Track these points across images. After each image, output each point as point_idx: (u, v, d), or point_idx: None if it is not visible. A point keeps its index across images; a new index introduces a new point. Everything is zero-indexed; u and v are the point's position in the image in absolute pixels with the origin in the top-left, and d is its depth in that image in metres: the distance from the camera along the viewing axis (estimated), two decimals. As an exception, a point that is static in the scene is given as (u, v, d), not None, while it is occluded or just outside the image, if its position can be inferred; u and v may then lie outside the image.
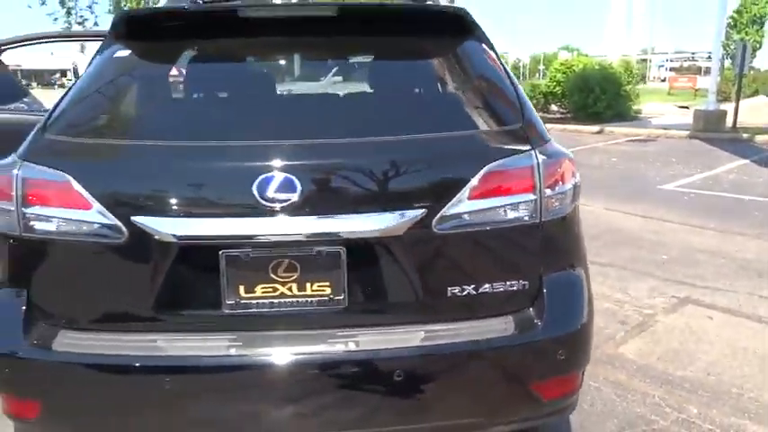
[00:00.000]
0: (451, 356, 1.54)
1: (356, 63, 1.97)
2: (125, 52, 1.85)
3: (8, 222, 1.58)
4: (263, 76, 1.97)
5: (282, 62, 2.01)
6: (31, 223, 1.56)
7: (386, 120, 1.71)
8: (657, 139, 12.47)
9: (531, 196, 1.58)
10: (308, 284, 1.54)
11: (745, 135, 12.07)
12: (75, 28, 18.02)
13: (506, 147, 1.61)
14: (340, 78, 1.97)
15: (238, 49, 1.93)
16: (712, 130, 12.37)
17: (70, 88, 1.84)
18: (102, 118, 1.77)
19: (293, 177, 1.48)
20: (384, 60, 1.93)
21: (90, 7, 18.35)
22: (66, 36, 3.72)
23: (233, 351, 1.52)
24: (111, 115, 1.78)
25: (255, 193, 1.48)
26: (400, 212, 1.52)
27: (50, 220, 1.55)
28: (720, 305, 3.68)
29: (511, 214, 1.58)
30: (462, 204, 1.54)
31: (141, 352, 1.52)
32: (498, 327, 1.59)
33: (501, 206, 1.57)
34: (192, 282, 1.57)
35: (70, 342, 1.56)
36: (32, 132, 1.71)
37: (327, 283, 1.55)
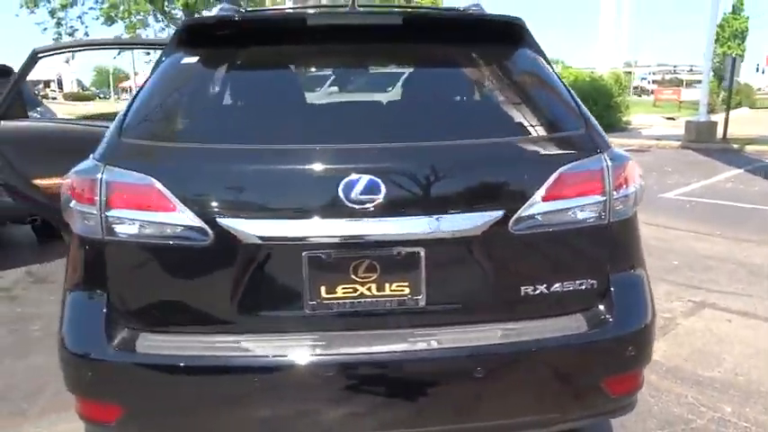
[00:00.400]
0: (528, 354, 1.59)
1: (422, 69, 2.03)
2: (192, 59, 1.90)
3: (91, 226, 1.61)
4: (334, 81, 2.02)
5: (350, 68, 2.06)
6: (114, 226, 1.59)
7: (460, 124, 1.77)
8: (651, 150, 12.68)
9: (601, 198, 1.65)
10: (387, 285, 1.59)
11: (735, 145, 12.33)
12: (66, 39, 17.97)
13: (577, 150, 1.67)
14: (407, 84, 2.03)
15: (306, 55, 1.99)
16: (704, 140, 12.62)
17: (137, 93, 1.87)
18: (180, 122, 1.81)
19: (378, 180, 1.52)
20: (449, 67, 1.99)
21: (80, 17, 18.39)
22: (113, 44, 3.76)
23: (316, 351, 1.55)
24: (189, 119, 1.82)
25: (341, 194, 1.52)
26: (479, 214, 1.57)
27: (133, 222, 1.58)
28: (736, 308, 3.77)
29: (581, 215, 1.64)
30: (537, 206, 1.59)
31: (226, 353, 1.55)
32: (571, 324, 1.64)
33: (572, 207, 1.63)
34: (275, 283, 1.61)
35: (153, 344, 1.58)
36: (107, 136, 1.74)
37: (406, 283, 1.59)
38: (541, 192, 1.60)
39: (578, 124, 1.77)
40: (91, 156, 1.75)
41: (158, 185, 1.56)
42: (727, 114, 13.56)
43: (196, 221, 1.54)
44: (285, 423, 1.58)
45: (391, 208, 1.54)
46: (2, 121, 3.45)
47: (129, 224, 1.58)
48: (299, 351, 1.55)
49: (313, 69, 2.04)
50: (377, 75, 2.01)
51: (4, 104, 3.32)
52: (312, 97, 1.96)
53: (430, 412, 1.60)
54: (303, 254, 1.56)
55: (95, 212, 1.59)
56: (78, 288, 1.68)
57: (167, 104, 1.83)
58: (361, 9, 2.08)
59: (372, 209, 1.53)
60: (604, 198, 1.65)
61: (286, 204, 1.58)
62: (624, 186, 1.69)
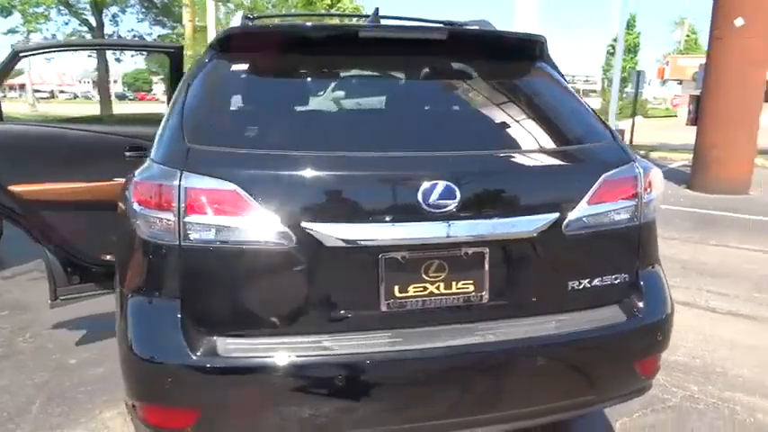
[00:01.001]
0: (578, 342, 1.76)
1: (465, 82, 2.15)
2: (242, 66, 1.94)
3: (164, 231, 1.62)
4: (392, 91, 2.10)
5: (400, 79, 2.15)
6: (193, 232, 1.61)
7: (509, 133, 1.93)
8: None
9: (634, 202, 1.86)
10: (454, 283, 1.71)
11: (641, 152, 13.40)
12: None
13: (614, 159, 1.88)
14: (454, 96, 2.15)
15: (359, 66, 2.07)
16: (613, 147, 13.59)
17: (184, 99, 1.88)
18: (252, 129, 1.84)
19: (453, 186, 1.64)
20: (488, 80, 2.14)
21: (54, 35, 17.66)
22: (100, 45, 3.59)
23: (394, 347, 1.65)
24: (260, 126, 1.85)
25: (420, 199, 1.63)
26: (536, 217, 1.74)
27: (213, 228, 1.60)
28: (680, 300, 4.20)
29: (618, 217, 1.84)
30: (584, 209, 1.78)
31: (308, 352, 1.61)
32: (611, 314, 1.84)
33: (612, 210, 1.83)
34: (353, 284, 1.69)
35: (234, 348, 1.61)
36: (166, 140, 1.75)
37: (471, 281, 1.72)
38: (588, 196, 1.78)
39: (606, 135, 1.98)
40: (151, 161, 1.75)
41: (240, 191, 1.59)
42: (633, 123, 14.71)
43: (279, 226, 1.59)
44: (367, 416, 1.67)
45: (463, 212, 1.66)
46: None
47: (208, 230, 1.60)
48: (378, 348, 1.64)
49: (367, 80, 2.12)
50: (425, 86, 2.12)
51: None
52: (371, 106, 2.04)
53: (496, 398, 1.74)
54: (380, 256, 1.65)
55: (172, 218, 1.60)
56: (146, 293, 1.68)
57: (230, 111, 1.86)
58: (388, 23, 2.20)
59: (446, 213, 1.65)
60: (636, 202, 1.86)
61: (367, 209, 1.67)
62: (650, 191, 1.91)
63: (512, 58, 2.09)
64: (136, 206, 1.67)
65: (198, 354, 1.59)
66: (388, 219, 1.65)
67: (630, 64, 43.44)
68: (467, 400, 1.72)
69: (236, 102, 1.94)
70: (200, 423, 1.61)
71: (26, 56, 3.14)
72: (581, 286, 1.82)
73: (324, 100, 2.07)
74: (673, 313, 1.96)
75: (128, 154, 3.12)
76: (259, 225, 1.60)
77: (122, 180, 3.04)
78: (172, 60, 3.26)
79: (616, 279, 1.87)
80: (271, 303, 1.67)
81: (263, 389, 1.61)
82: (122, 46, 3.54)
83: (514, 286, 1.78)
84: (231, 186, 1.60)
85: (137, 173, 1.76)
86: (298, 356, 1.60)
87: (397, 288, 1.68)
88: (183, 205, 1.60)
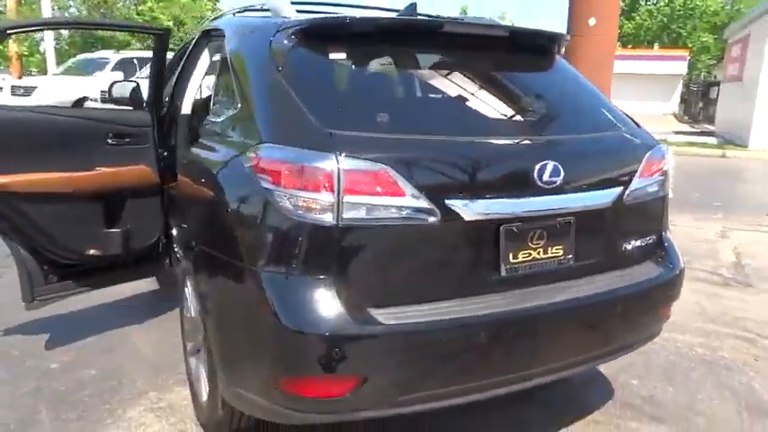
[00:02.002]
0: (635, 292, 2.14)
1: (529, 74, 2.40)
2: (339, 55, 2.03)
3: (326, 213, 1.68)
4: (478, 81, 2.27)
5: (479, 71, 2.33)
6: (348, 212, 1.69)
7: (581, 120, 2.24)
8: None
9: (663, 176, 2.28)
10: (550, 248, 1.99)
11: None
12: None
13: (648, 141, 2.27)
14: (525, 86, 2.39)
15: (444, 57, 2.23)
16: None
17: (285, 87, 1.92)
18: (382, 115, 1.92)
19: (559, 165, 1.92)
20: (545, 73, 2.41)
21: None
22: (79, 24, 3.16)
23: (515, 306, 1.89)
24: (389, 112, 1.95)
25: (536, 178, 1.88)
26: (609, 190, 2.07)
27: (364, 207, 1.70)
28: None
29: (653, 189, 2.24)
30: (636, 183, 2.15)
31: (451, 315, 1.78)
32: (653, 267, 2.25)
33: (651, 183, 2.22)
34: (481, 253, 1.88)
35: (388, 316, 1.73)
36: (295, 126, 1.80)
37: (561, 247, 2.01)
38: (639, 172, 2.16)
39: (629, 120, 2.37)
40: (274, 145, 1.78)
41: (391, 172, 1.72)
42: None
43: (424, 203, 1.75)
44: (499, 366, 1.90)
45: (562, 187, 1.94)
46: None
47: (362, 209, 1.70)
48: (503, 307, 1.87)
49: (454, 71, 2.27)
50: (504, 77, 2.33)
51: None
52: (466, 94, 2.21)
53: (585, 344, 2.07)
54: (501, 227, 1.87)
55: (331, 199, 1.68)
56: (298, 271, 1.72)
57: (349, 98, 1.96)
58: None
59: (553, 188, 1.92)
60: (664, 176, 2.29)
61: (495, 186, 1.87)
62: (670, 168, 2.35)
63: (547, 53, 2.42)
64: (281, 188, 1.71)
65: (358, 323, 1.69)
66: (511, 194, 1.88)
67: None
68: (565, 346, 2.03)
69: (352, 89, 2.02)
70: (359, 388, 1.72)
71: (13, 33, 2.78)
72: (631, 246, 2.20)
73: (425, 89, 2.22)
74: (684, 268, 2.43)
75: (111, 141, 2.96)
76: (407, 203, 1.73)
77: (107, 169, 2.90)
78: (158, 43, 3.10)
79: (651, 240, 2.29)
80: (416, 274, 1.81)
81: (415, 351, 1.77)
82: (110, 26, 3.16)
83: (590, 249, 2.10)
84: (382, 167, 1.72)
85: (267, 154, 1.77)
86: (443, 319, 1.77)
87: (511, 255, 1.91)
88: (341, 186, 1.68)
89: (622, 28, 45.97)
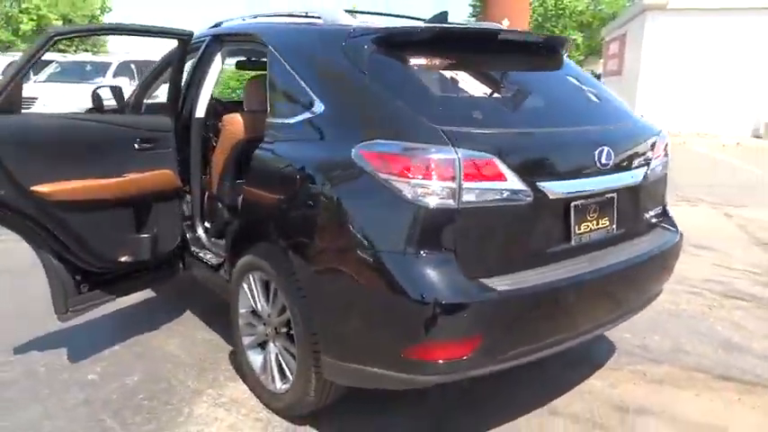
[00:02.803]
0: (663, 253, 2.56)
1: (560, 74, 2.73)
2: (422, 61, 2.28)
3: (448, 198, 1.93)
4: (533, 80, 2.57)
5: (526, 71, 2.63)
6: (466, 196, 1.94)
7: (611, 111, 2.61)
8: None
9: (667, 157, 2.72)
10: (600, 220, 2.35)
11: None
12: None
13: (653, 127, 2.69)
14: (563, 83, 2.72)
15: (504, 60, 2.52)
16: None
17: (382, 89, 2.15)
18: (477, 112, 2.20)
19: (611, 150, 2.28)
20: (569, 70, 2.75)
21: None
22: (137, 30, 2.97)
23: (589, 268, 2.24)
24: (480, 110, 2.25)
25: (596, 161, 2.24)
26: (639, 170, 2.47)
27: (477, 191, 1.96)
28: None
29: (660, 168, 2.67)
30: (653, 162, 2.57)
31: (547, 279, 2.10)
32: (664, 234, 2.68)
33: (660, 163, 2.65)
34: (558, 225, 2.21)
35: (500, 283, 2.01)
36: (410, 123, 2.03)
37: (607, 218, 2.38)
38: (654, 154, 2.59)
39: (631, 111, 2.80)
40: (391, 141, 2.00)
41: (496, 161, 1.99)
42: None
43: (521, 186, 2.04)
44: (581, 320, 2.26)
45: (611, 168, 2.31)
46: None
47: (476, 193, 1.97)
48: (579, 270, 2.21)
49: (514, 71, 2.54)
50: (550, 76, 2.63)
51: (4, 94, 2.51)
52: (530, 91, 2.51)
53: (629, 297, 2.48)
54: (571, 204, 2.21)
55: (454, 186, 1.92)
56: (424, 250, 1.95)
57: (443, 98, 2.21)
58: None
59: (606, 170, 2.29)
60: (667, 158, 2.73)
61: (571, 169, 2.21)
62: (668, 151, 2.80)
63: (562, 55, 2.79)
64: (404, 178, 1.93)
65: (480, 291, 1.96)
66: (580, 175, 2.23)
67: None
68: (618, 301, 2.41)
69: (438, 90, 2.27)
70: (477, 348, 1.98)
71: (62, 39, 2.68)
72: (649, 216, 2.63)
73: (493, 88, 2.48)
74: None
75: (137, 147, 2.99)
76: (508, 186, 2.01)
77: (137, 175, 2.92)
78: (180, 47, 3.12)
79: (660, 210, 2.73)
80: (514, 246, 2.12)
81: (521, 312, 2.06)
82: (139, 31, 3.01)
83: (625, 220, 2.47)
84: (490, 157, 1.99)
85: (387, 149, 1.98)
86: (541, 283, 2.08)
87: (578, 227, 2.26)
88: (461, 174, 1.93)
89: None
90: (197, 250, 3.29)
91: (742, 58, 14.35)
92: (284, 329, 2.50)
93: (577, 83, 2.69)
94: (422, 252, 1.95)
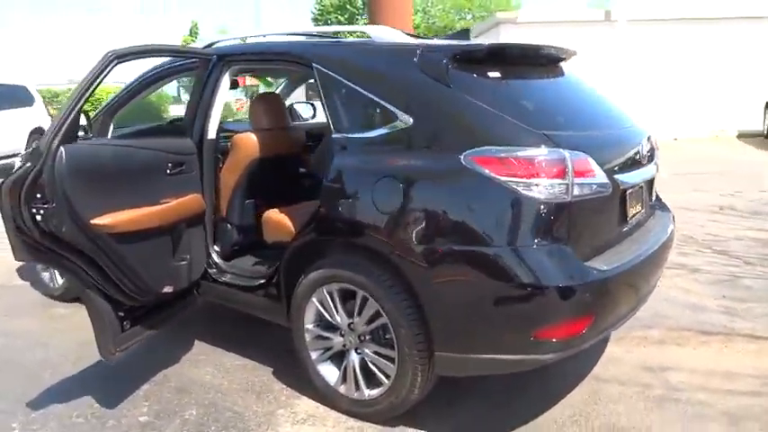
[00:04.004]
0: (671, 228, 3.04)
1: (584, 82, 3.06)
2: (496, 73, 2.52)
3: (563, 193, 2.18)
4: (570, 89, 2.86)
5: (555, 78, 2.92)
6: (576, 191, 2.21)
7: (623, 114, 3.00)
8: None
9: (657, 152, 3.22)
10: (637, 206, 2.75)
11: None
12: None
13: (645, 128, 3.17)
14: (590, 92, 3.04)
15: (545, 72, 2.79)
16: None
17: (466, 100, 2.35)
18: (556, 119, 2.49)
19: (645, 146, 2.69)
20: (582, 80, 3.12)
21: None
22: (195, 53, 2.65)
23: (645, 247, 2.61)
24: (561, 115, 2.53)
25: (641, 155, 2.62)
26: (655, 163, 2.92)
27: (581, 186, 2.24)
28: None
29: (658, 162, 3.16)
30: (655, 157, 3.04)
31: (628, 257, 2.45)
32: (666, 213, 3.17)
33: (657, 158, 3.14)
34: (622, 210, 2.56)
35: (601, 264, 2.32)
36: (518, 131, 2.26)
37: (640, 203, 2.79)
38: (656, 149, 3.06)
39: None
40: (508, 146, 2.22)
41: (590, 159, 2.29)
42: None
43: (606, 179, 2.35)
44: (643, 288, 2.65)
45: (644, 161, 2.73)
46: (62, 147, 2.23)
47: (581, 187, 2.24)
48: (640, 248, 2.59)
49: (557, 82, 2.82)
50: (578, 85, 2.96)
51: (66, 124, 2.18)
52: (577, 97, 2.81)
53: (664, 262, 2.90)
54: (627, 192, 2.57)
55: (566, 182, 2.19)
56: (546, 240, 2.20)
57: (528, 107, 2.44)
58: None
59: (643, 162, 2.69)
60: (657, 151, 3.23)
61: (626, 163, 2.57)
62: None
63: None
64: (522, 179, 2.16)
65: (592, 273, 2.25)
66: (633, 167, 2.61)
67: (200, 70, 45.57)
68: (659, 269, 2.83)
69: (521, 99, 2.50)
70: (591, 324, 2.26)
71: (123, 62, 2.43)
72: (654, 201, 3.10)
73: (555, 96, 2.75)
74: None
75: (168, 171, 2.91)
76: (599, 180, 2.31)
77: (174, 200, 2.85)
78: (203, 67, 3.02)
79: (657, 196, 3.22)
80: (600, 230, 2.44)
81: (619, 288, 2.39)
82: (177, 52, 2.66)
83: (645, 205, 2.90)
84: (586, 156, 2.28)
85: (506, 153, 2.20)
86: (627, 261, 2.43)
87: (630, 211, 2.64)
88: (572, 172, 2.20)
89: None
90: (216, 274, 3.20)
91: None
92: (369, 336, 2.59)
93: (590, 90, 3.08)
94: (545, 243, 2.20)
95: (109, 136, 3.75)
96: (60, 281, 4.20)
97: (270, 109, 3.47)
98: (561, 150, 2.22)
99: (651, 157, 2.87)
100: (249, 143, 3.31)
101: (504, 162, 2.20)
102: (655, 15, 14.84)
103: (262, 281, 3.01)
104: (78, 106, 2.38)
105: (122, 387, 3.00)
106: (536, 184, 2.18)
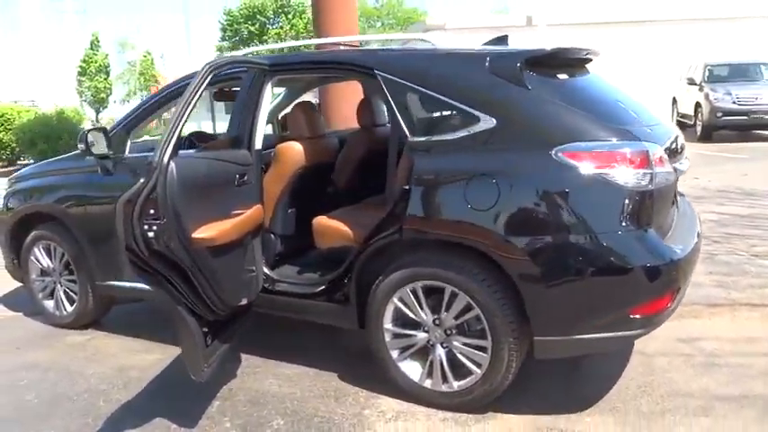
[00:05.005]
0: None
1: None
2: (564, 76, 2.71)
3: (648, 182, 2.42)
4: (607, 87, 3.07)
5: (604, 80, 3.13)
6: (657, 179, 2.45)
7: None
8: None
9: None
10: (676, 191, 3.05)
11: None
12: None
13: None
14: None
15: (585, 73, 3.00)
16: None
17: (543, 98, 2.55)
18: (610, 114, 2.67)
19: (680, 138, 2.98)
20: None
21: None
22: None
23: (694, 229, 2.91)
24: (612, 110, 2.71)
25: (676, 147, 2.88)
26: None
27: (660, 174, 2.47)
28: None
29: None
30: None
31: (687, 239, 2.71)
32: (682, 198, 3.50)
33: None
34: (673, 196, 2.83)
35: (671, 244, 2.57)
36: (598, 127, 2.46)
37: (673, 193, 3.08)
38: None
39: None
40: (596, 141, 2.42)
41: (661, 150, 2.53)
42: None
43: (671, 168, 2.59)
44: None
45: (682, 153, 3.01)
46: (172, 161, 2.10)
47: (660, 176, 2.48)
48: (691, 226, 2.88)
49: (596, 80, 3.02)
50: (605, 83, 3.12)
51: (174, 137, 2.06)
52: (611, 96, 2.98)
53: None
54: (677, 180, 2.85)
55: (651, 172, 2.42)
56: (639, 224, 2.43)
57: (595, 103, 2.67)
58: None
59: (682, 153, 2.98)
60: None
61: (675, 153, 2.80)
62: None
63: None
64: (616, 170, 2.37)
65: (677, 252, 2.50)
66: (679, 158, 2.86)
67: (105, 84, 43.55)
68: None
69: (589, 98, 2.71)
70: (676, 297, 2.50)
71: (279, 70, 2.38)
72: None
73: (607, 94, 2.95)
74: None
75: (236, 183, 2.93)
76: (667, 169, 2.54)
77: (241, 212, 2.87)
78: (260, 77, 3.01)
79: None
80: (667, 214, 2.69)
81: (691, 265, 2.65)
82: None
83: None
84: (660, 147, 2.52)
85: (600, 148, 2.40)
86: (689, 241, 2.70)
87: (675, 197, 2.92)
88: (654, 162, 2.43)
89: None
90: (269, 284, 3.20)
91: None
92: (456, 329, 2.70)
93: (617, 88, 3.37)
94: (635, 227, 2.43)
95: (126, 152, 3.64)
96: (69, 308, 4.01)
97: (310, 117, 3.50)
98: (642, 143, 2.46)
99: (684, 149, 3.18)
100: (294, 153, 3.34)
101: (596, 156, 2.40)
102: (572, 20, 15.84)
103: (323, 287, 3.05)
104: (184, 119, 2.35)
105: (191, 406, 2.94)
106: (625, 175, 2.40)
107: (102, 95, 42.85)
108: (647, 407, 2.75)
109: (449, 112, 2.71)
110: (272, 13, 49.29)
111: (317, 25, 10.34)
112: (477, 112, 2.61)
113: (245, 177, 2.94)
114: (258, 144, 3.19)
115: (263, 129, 3.22)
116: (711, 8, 16.29)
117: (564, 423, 2.65)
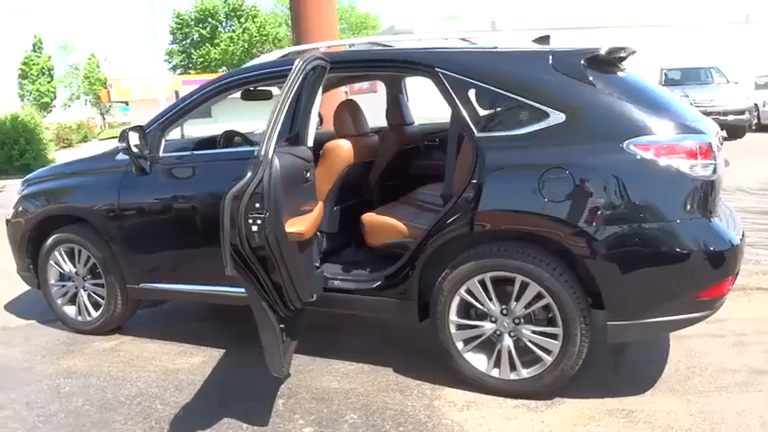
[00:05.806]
0: None
1: None
2: (622, 74, 2.83)
3: (712, 172, 2.58)
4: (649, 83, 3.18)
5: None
6: (718, 170, 2.61)
7: None
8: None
9: None
10: None
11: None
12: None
13: None
14: None
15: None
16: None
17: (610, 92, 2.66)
18: (655, 110, 2.69)
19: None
20: None
21: None
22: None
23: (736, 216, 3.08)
24: (658, 108, 2.73)
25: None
26: None
27: (717, 165, 2.61)
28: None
29: None
30: None
31: (735, 226, 2.86)
32: None
33: None
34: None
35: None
36: (660, 120, 2.59)
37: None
38: None
39: None
40: (670, 133, 2.57)
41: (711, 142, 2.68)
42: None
43: (713, 162, 2.72)
44: None
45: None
46: (275, 155, 2.04)
47: (718, 166, 2.63)
48: (729, 214, 3.05)
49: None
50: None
51: (276, 131, 2.02)
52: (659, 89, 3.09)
53: None
54: None
55: (714, 162, 2.57)
56: (705, 211, 2.58)
57: (650, 98, 2.79)
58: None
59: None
60: None
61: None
62: None
63: None
64: (685, 161, 2.51)
65: (737, 238, 2.66)
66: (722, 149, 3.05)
67: (48, 87, 41.91)
68: None
69: (643, 93, 2.84)
70: (733, 282, 2.65)
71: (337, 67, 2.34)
72: None
73: (651, 91, 3.06)
74: None
75: (303, 179, 2.94)
76: (713, 161, 2.68)
77: (308, 208, 2.91)
78: (319, 74, 3.01)
79: None
80: (718, 201, 2.81)
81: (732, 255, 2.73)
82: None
83: None
84: (717, 139, 2.68)
85: (676, 140, 2.54)
86: (737, 228, 2.85)
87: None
88: (715, 154, 2.58)
89: (209, 54, 48.46)
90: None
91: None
92: (524, 319, 2.79)
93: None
94: (702, 214, 2.58)
95: (161, 152, 3.58)
96: (95, 313, 3.90)
97: (355, 115, 3.53)
98: (705, 136, 2.61)
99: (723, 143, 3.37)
100: (343, 150, 3.36)
101: (666, 147, 2.54)
102: (535, 26, 16.30)
103: (379, 282, 3.08)
104: (284, 114, 2.35)
105: (257, 405, 2.92)
106: (693, 165, 2.55)
107: (46, 99, 41.17)
108: (701, 386, 2.91)
109: (516, 108, 2.80)
110: (223, 16, 48.61)
111: (297, 32, 10.32)
112: (545, 108, 2.70)
113: (308, 174, 2.95)
114: (311, 141, 3.20)
115: (314, 126, 3.23)
116: (668, 15, 17.11)
117: (632, 404, 2.77)
